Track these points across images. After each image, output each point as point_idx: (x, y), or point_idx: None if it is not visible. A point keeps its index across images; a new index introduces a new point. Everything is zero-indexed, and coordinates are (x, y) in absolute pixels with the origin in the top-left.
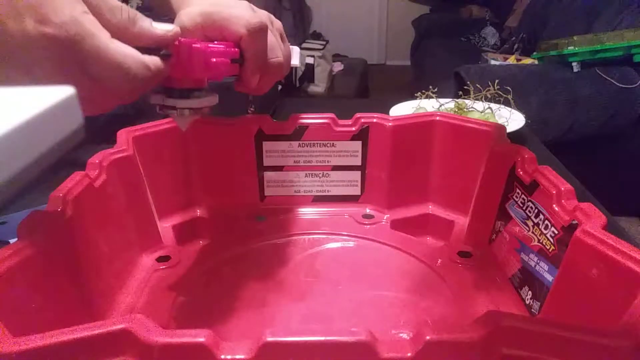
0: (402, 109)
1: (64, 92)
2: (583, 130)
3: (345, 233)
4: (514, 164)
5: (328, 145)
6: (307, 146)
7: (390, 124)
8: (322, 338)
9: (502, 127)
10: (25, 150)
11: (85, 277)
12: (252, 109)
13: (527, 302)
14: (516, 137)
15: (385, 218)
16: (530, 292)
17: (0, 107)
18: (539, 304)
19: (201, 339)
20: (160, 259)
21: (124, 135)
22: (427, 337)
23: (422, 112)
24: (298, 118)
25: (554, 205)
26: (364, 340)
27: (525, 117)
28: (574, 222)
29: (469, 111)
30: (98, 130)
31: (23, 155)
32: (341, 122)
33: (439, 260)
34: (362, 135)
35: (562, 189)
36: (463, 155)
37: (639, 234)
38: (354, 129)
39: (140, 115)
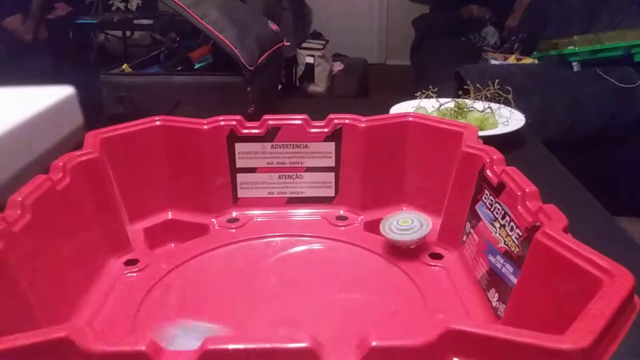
0: (402, 109)
1: (64, 92)
2: (583, 130)
3: (318, 235)
4: (483, 165)
5: (301, 146)
6: (280, 147)
7: (363, 125)
8: (265, 345)
9: (473, 128)
10: (25, 150)
11: (44, 283)
12: (252, 108)
13: (494, 304)
14: (516, 137)
15: (359, 219)
16: (496, 295)
17: (1, 107)
18: (504, 306)
19: (141, 348)
20: (129, 263)
21: (92, 138)
22: (373, 343)
23: (421, 111)
24: (270, 119)
25: (519, 207)
26: (306, 347)
27: (525, 117)
28: (537, 224)
29: (469, 111)
30: None
31: (23, 155)
32: (314, 123)
33: (411, 263)
34: (335, 136)
35: (527, 190)
36: (436, 156)
37: (639, 234)
38: (326, 130)
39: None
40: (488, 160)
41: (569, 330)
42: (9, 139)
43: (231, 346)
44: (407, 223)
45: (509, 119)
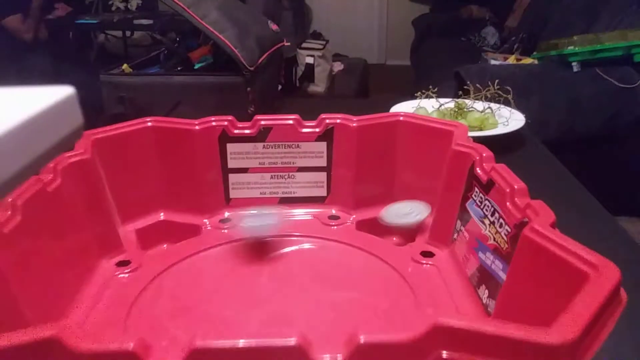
0: (402, 109)
1: (64, 92)
2: (583, 130)
3: (311, 234)
4: (473, 162)
5: (293, 146)
6: (271, 148)
7: (354, 124)
8: (254, 342)
9: (464, 127)
10: (25, 151)
11: (35, 284)
12: (252, 109)
13: (484, 301)
14: (516, 137)
15: (351, 219)
16: (487, 291)
17: (1, 107)
18: (494, 302)
19: (129, 346)
20: (121, 264)
21: (84, 139)
22: (361, 339)
23: (421, 111)
24: (262, 119)
25: (507, 203)
26: (295, 344)
27: (525, 117)
28: (525, 220)
29: (469, 111)
30: None
31: (23, 155)
32: (306, 123)
33: (402, 261)
34: (326, 136)
35: (516, 187)
36: (427, 155)
37: (639, 234)
38: (318, 129)
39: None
40: (478, 158)
41: (554, 324)
42: (8, 139)
43: (219, 344)
44: (406, 209)
45: (509, 119)
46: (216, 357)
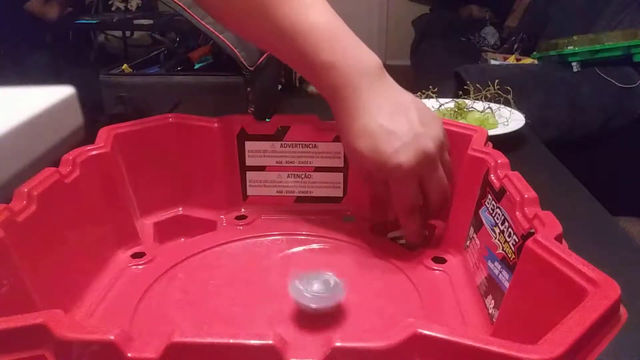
0: None
1: (64, 92)
2: (583, 130)
3: (324, 235)
4: (488, 169)
5: (310, 146)
6: (289, 147)
7: None
8: (230, 340)
9: (483, 131)
10: (25, 150)
11: (47, 273)
12: (252, 109)
13: (490, 311)
14: (516, 137)
15: (367, 221)
16: (493, 301)
17: (1, 107)
18: (498, 313)
19: (111, 337)
20: (136, 256)
21: (105, 133)
22: (336, 344)
23: None
24: (280, 118)
25: (517, 213)
26: (270, 345)
27: (525, 117)
28: (532, 230)
29: (469, 111)
30: (98, 130)
31: (23, 155)
32: (323, 123)
33: (413, 265)
34: None
35: (526, 196)
36: None
37: (639, 233)
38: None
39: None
40: (492, 164)
41: (541, 340)
42: (8, 140)
43: (196, 340)
44: (320, 286)
45: (509, 119)
46: (193, 352)
